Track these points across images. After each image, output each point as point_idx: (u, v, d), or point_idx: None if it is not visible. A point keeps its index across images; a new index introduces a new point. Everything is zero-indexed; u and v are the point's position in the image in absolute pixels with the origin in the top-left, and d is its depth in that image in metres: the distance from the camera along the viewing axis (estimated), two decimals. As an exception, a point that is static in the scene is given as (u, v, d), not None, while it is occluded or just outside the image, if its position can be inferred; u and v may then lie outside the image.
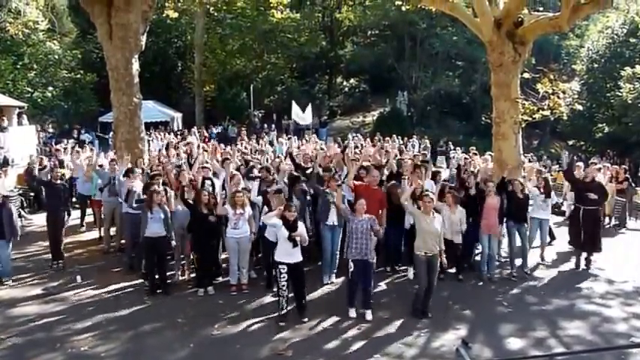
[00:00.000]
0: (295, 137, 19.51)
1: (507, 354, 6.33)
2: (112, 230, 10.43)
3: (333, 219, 8.37)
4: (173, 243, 8.34)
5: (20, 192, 13.38)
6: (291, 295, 7.10)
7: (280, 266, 6.97)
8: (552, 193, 10.02)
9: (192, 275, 8.61)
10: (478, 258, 9.10)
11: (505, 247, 9.55)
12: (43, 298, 7.89)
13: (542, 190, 9.56)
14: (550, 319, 7.31)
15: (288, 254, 6.96)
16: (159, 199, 7.97)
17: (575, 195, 9.74)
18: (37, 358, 6.19)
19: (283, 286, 6.94)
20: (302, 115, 23.04)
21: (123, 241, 9.85)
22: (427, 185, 9.27)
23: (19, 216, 10.83)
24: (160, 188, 8.36)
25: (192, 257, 8.61)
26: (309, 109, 23.25)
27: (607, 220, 13.15)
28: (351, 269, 7.03)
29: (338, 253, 8.50)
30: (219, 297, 7.93)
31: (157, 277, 8.09)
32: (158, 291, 8.04)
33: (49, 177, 9.74)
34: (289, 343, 6.51)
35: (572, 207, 9.96)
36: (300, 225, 7.16)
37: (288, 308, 7.05)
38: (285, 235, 6.91)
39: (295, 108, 23.10)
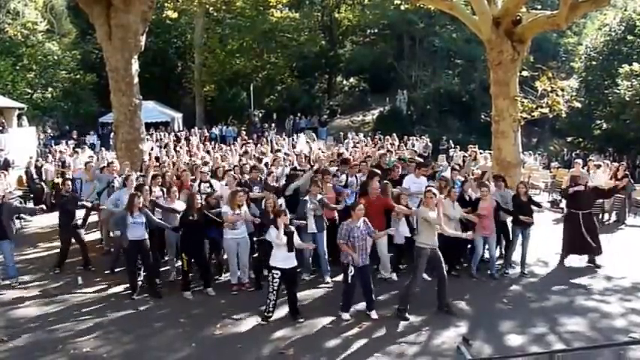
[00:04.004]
0: (289, 139, 19.17)
1: (507, 351, 6.36)
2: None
3: (312, 227, 8.30)
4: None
5: (20, 194, 13.40)
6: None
7: (274, 271, 7.03)
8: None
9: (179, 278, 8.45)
10: (487, 255, 9.10)
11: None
12: (44, 300, 7.91)
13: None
14: (549, 315, 7.34)
15: (283, 259, 7.03)
16: (139, 203, 7.94)
17: (571, 201, 9.45)
18: (39, 359, 6.20)
19: (274, 290, 7.02)
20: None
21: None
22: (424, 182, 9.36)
23: (18, 217, 10.85)
24: (156, 190, 8.37)
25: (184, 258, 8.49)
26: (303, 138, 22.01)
27: (606, 216, 13.20)
28: (351, 273, 7.01)
29: (326, 255, 8.47)
30: (220, 297, 7.96)
31: (139, 279, 8.08)
32: (140, 296, 7.95)
33: (59, 189, 9.39)
34: (290, 341, 6.55)
35: (567, 213, 9.62)
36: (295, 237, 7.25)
37: (276, 311, 7.16)
38: (282, 239, 6.93)
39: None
